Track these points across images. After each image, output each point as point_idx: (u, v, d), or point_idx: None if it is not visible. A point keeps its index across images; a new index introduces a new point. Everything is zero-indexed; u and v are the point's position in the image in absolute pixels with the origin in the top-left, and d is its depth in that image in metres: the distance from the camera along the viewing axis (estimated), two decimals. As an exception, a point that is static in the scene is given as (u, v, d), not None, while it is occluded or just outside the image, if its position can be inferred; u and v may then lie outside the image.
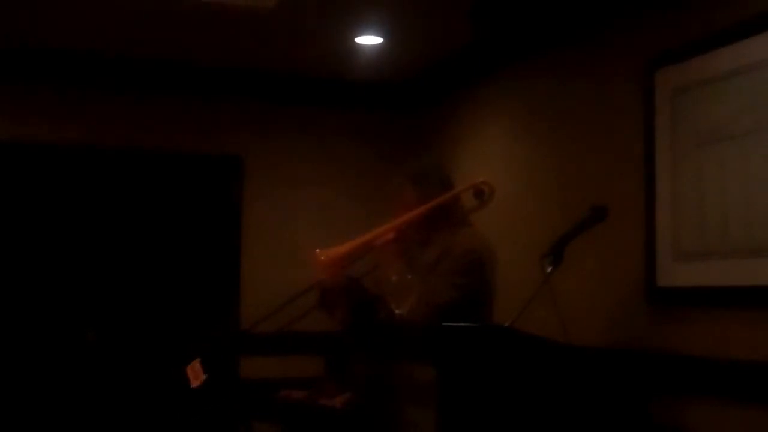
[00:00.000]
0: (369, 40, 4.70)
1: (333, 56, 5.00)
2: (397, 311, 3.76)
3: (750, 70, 2.98)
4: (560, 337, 3.05)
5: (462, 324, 2.97)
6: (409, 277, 3.33)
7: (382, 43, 4.74)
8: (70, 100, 5.14)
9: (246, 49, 4.96)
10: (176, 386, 5.12)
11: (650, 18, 3.50)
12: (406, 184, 3.24)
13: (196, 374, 3.05)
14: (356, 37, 4.66)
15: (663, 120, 3.36)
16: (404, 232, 3.13)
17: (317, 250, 3.04)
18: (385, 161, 5.67)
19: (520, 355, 2.89)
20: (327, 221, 5.41)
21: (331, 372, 3.84)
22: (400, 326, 3.18)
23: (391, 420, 3.28)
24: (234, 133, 5.48)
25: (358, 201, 5.40)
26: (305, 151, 5.61)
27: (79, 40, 4.83)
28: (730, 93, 3.06)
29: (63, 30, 4.64)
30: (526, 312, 2.91)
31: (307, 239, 5.36)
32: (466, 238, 3.23)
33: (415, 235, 3.18)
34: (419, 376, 3.21)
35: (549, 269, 2.98)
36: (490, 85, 4.81)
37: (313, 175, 5.61)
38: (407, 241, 3.16)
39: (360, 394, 3.44)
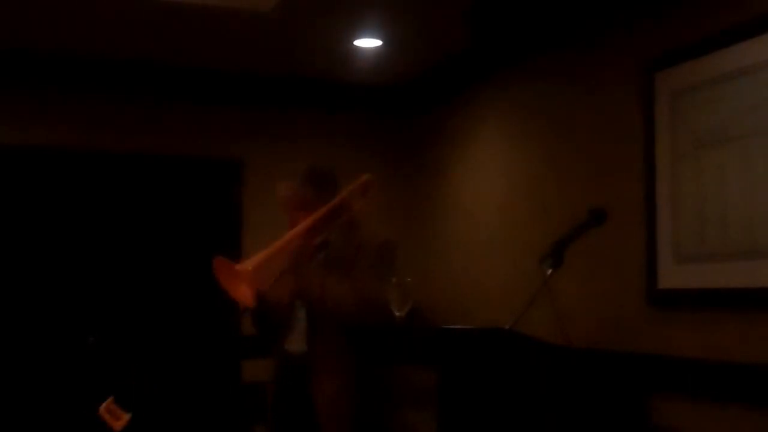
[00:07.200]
0: (368, 42, 4.70)
1: (332, 59, 5.00)
2: (396, 314, 3.77)
3: (749, 72, 2.98)
4: (560, 339, 3.05)
5: (463, 327, 2.98)
6: (408, 279, 3.35)
7: (380, 45, 4.74)
8: (70, 104, 5.13)
9: (245, 53, 4.96)
10: (177, 390, 5.13)
11: (648, 20, 3.50)
12: (304, 185, 3.31)
13: (115, 415, 2.90)
14: (355, 39, 4.66)
15: (662, 122, 3.36)
16: (311, 235, 3.21)
17: (241, 265, 3.04)
18: (384, 165, 5.66)
19: (521, 357, 2.89)
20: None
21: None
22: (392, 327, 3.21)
23: (390, 424, 3.28)
24: (233, 136, 5.47)
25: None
26: (305, 155, 5.56)
27: (79, 45, 4.82)
28: (729, 95, 3.06)
29: (63, 35, 4.64)
30: (525, 314, 2.91)
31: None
32: (375, 232, 3.31)
33: (316, 237, 3.25)
34: (419, 380, 3.22)
35: (549, 272, 2.99)
36: (488, 88, 4.81)
37: (312, 178, 5.59)
38: (311, 244, 3.24)
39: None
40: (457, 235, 5.09)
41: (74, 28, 4.52)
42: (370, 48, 4.78)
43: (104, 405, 2.75)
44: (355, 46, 4.75)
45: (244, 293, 2.97)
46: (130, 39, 4.71)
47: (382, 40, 4.67)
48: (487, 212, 4.76)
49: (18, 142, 5.04)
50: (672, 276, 3.29)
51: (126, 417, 2.79)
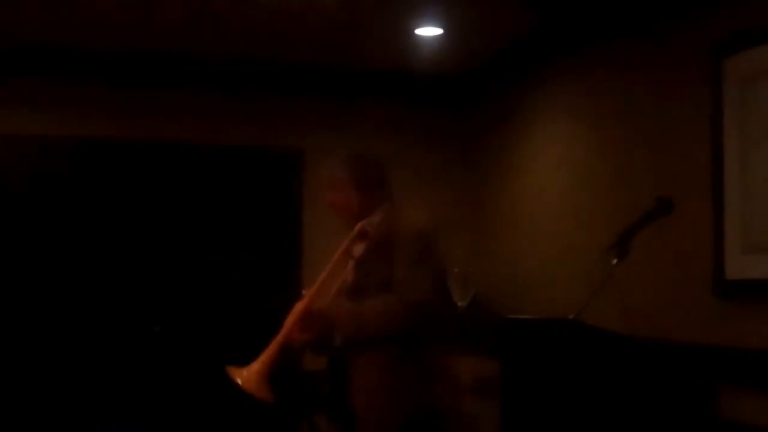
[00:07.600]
0: (429, 31, 4.69)
1: (393, 49, 5.00)
2: (459, 304, 3.75)
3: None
4: (624, 330, 3.01)
5: (527, 317, 2.96)
6: (471, 269, 3.33)
7: (442, 34, 4.72)
8: (138, 99, 5.28)
9: (306, 44, 4.98)
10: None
11: (716, 5, 3.43)
12: (342, 168, 3.21)
13: None
14: (416, 28, 4.65)
15: (731, 109, 3.29)
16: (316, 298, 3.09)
17: (240, 375, 2.97)
18: (446, 154, 5.66)
19: (585, 348, 2.87)
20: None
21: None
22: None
23: (453, 415, 3.27)
24: (295, 127, 5.52)
25: (419, 195, 5.38)
26: (366, 145, 5.58)
27: (145, 40, 4.92)
28: (801, 80, 2.99)
29: (131, 31, 4.73)
30: (590, 304, 2.88)
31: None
32: (411, 225, 3.13)
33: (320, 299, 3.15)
34: (482, 370, 3.20)
35: (614, 261, 2.94)
36: (550, 76, 4.76)
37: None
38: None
39: None
40: (520, 224, 5.06)
41: (140, 25, 4.61)
42: (432, 37, 4.77)
43: None
44: (417, 35, 4.74)
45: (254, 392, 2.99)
46: (194, 33, 4.77)
47: (443, 28, 4.65)
48: (550, 201, 4.72)
49: (93, 135, 5.23)
50: (739, 266, 3.23)
51: None
